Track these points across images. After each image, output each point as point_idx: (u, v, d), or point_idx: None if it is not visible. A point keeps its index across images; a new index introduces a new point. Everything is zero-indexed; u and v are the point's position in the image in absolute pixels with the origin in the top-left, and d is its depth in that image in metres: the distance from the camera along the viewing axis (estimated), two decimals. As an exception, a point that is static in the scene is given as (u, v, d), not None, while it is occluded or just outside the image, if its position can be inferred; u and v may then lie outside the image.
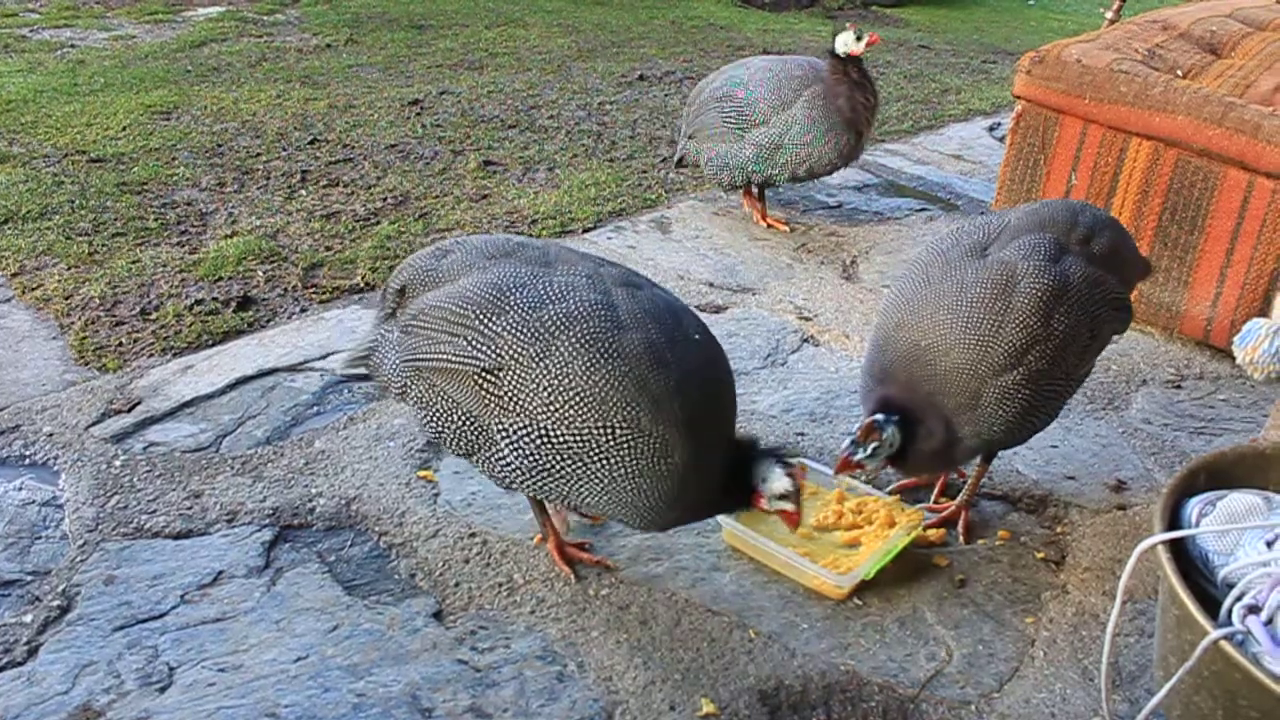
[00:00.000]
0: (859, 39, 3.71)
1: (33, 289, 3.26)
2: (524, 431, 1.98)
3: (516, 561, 2.30)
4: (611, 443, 1.95)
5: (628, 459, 1.96)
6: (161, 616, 2.09)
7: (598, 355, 1.93)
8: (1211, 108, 3.19)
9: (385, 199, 4.11)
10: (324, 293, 3.38)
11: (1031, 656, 2.16)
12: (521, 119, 5.17)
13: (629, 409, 1.93)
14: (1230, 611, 1.67)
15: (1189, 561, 1.81)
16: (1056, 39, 3.72)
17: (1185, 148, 3.26)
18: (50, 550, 2.25)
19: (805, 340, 3.28)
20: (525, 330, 1.96)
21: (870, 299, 3.56)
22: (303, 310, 3.27)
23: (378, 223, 3.89)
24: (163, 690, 1.93)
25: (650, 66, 6.32)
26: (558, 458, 1.98)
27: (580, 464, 1.98)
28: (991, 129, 5.61)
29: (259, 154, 4.47)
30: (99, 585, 2.15)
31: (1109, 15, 4.12)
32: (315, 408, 2.77)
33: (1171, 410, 3.05)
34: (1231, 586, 1.71)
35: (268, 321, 3.20)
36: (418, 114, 5.13)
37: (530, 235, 3.87)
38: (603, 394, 1.93)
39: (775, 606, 2.23)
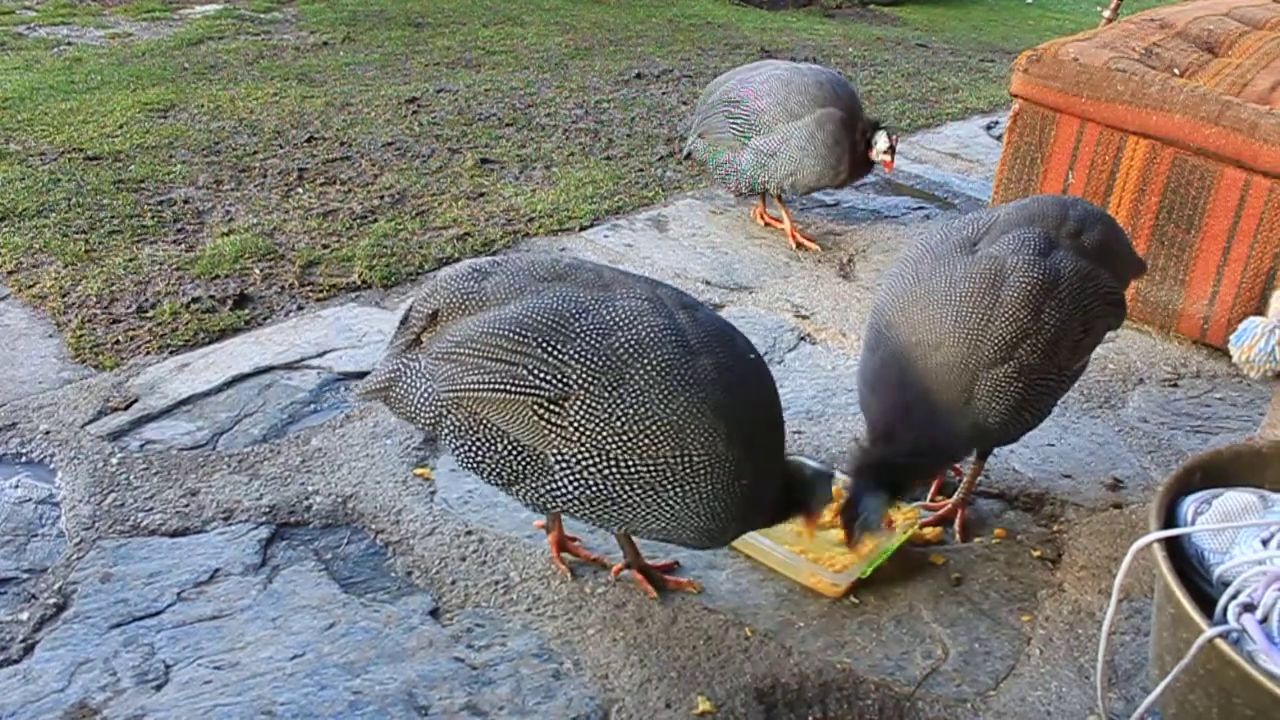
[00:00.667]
0: (888, 151, 3.72)
1: (29, 286, 3.26)
2: (589, 462, 1.90)
3: (513, 559, 2.30)
4: (688, 470, 1.89)
5: (704, 484, 1.91)
6: (158, 614, 2.09)
7: (675, 383, 1.87)
8: (1208, 106, 3.19)
9: (382, 197, 4.10)
10: (321, 291, 3.37)
11: (1027, 654, 2.16)
12: (519, 117, 5.17)
13: (707, 435, 1.88)
14: (1225, 610, 1.67)
15: (1185, 560, 1.81)
16: (1054, 38, 3.72)
17: (1182, 146, 3.26)
18: (46, 548, 2.25)
19: (802, 339, 3.28)
20: (596, 359, 1.87)
21: (867, 297, 3.56)
22: (300, 308, 3.27)
23: (375, 221, 3.89)
24: (159, 688, 1.93)
25: (647, 65, 6.32)
26: (627, 487, 1.92)
27: (651, 493, 1.92)
28: (989, 128, 5.61)
29: (256, 152, 4.46)
30: (95, 583, 2.15)
31: (1106, 14, 4.12)
32: (312, 406, 2.77)
33: (1168, 409, 3.06)
34: (1227, 585, 1.71)
35: (264, 319, 3.20)
36: (415, 112, 5.13)
37: (527, 233, 3.87)
38: (681, 422, 1.87)
39: (771, 604, 2.23)
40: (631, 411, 1.86)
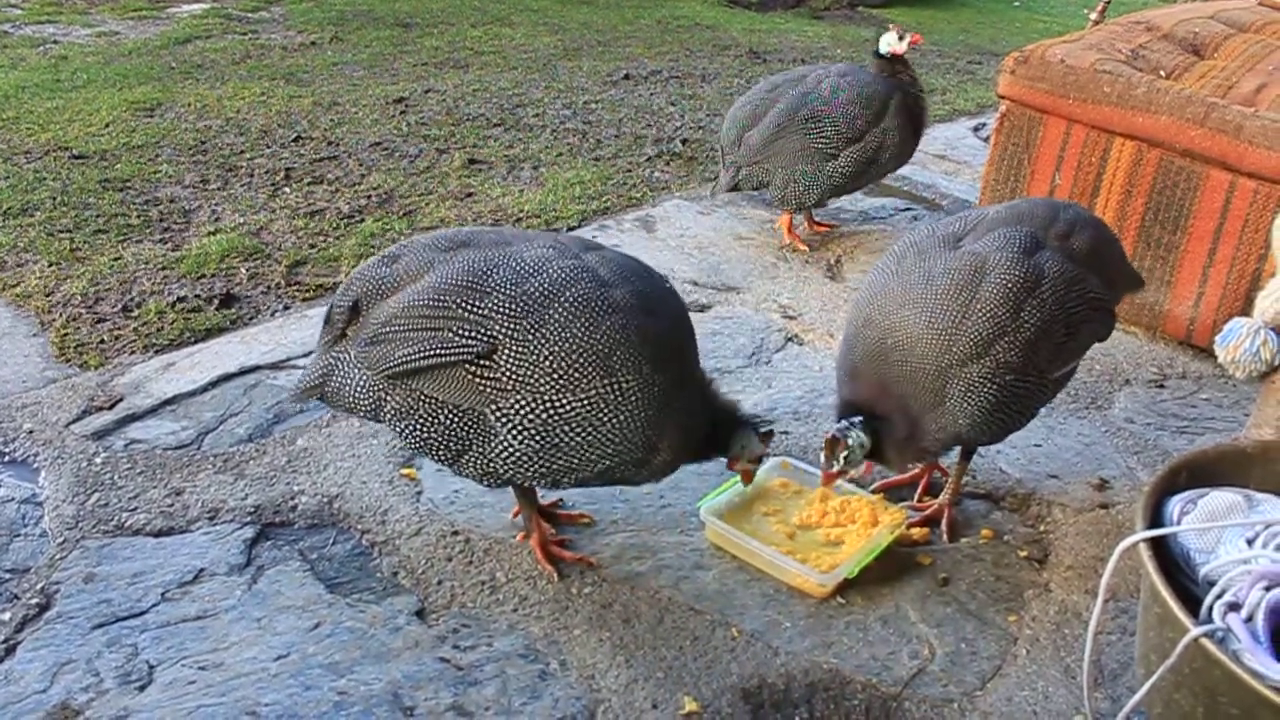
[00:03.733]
0: (901, 39, 3.71)
1: (13, 286, 3.24)
2: (527, 409, 1.97)
3: (499, 560, 2.29)
4: (619, 397, 1.97)
5: (636, 411, 1.99)
6: (141, 614, 2.08)
7: (595, 314, 1.95)
8: (1194, 108, 3.20)
9: (369, 197, 4.09)
10: (307, 290, 3.36)
11: (1014, 655, 2.16)
12: (507, 117, 5.16)
13: (633, 359, 1.96)
14: (1211, 609, 1.67)
15: (1171, 560, 1.81)
16: (1041, 40, 3.73)
17: (1168, 148, 3.27)
18: (29, 548, 2.23)
19: (789, 339, 3.28)
20: (514, 306, 1.95)
21: (855, 298, 3.56)
22: (286, 308, 3.26)
23: (362, 220, 3.88)
24: (142, 688, 1.92)
25: (636, 65, 6.32)
26: (566, 428, 1.98)
27: (589, 429, 1.99)
28: (976, 129, 5.62)
29: (243, 151, 4.45)
30: (78, 583, 2.14)
31: (1093, 16, 4.13)
32: (298, 405, 2.75)
33: (1154, 409, 3.06)
34: (1212, 584, 1.71)
35: (250, 319, 3.18)
36: (402, 112, 5.12)
37: (515, 233, 3.86)
38: (607, 350, 1.95)
39: (758, 605, 2.23)
40: (558, 349, 1.94)
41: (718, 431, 2.19)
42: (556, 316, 1.95)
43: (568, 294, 1.96)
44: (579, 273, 2.00)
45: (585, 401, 1.97)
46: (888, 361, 2.21)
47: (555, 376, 1.95)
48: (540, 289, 1.97)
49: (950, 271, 2.21)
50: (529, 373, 1.95)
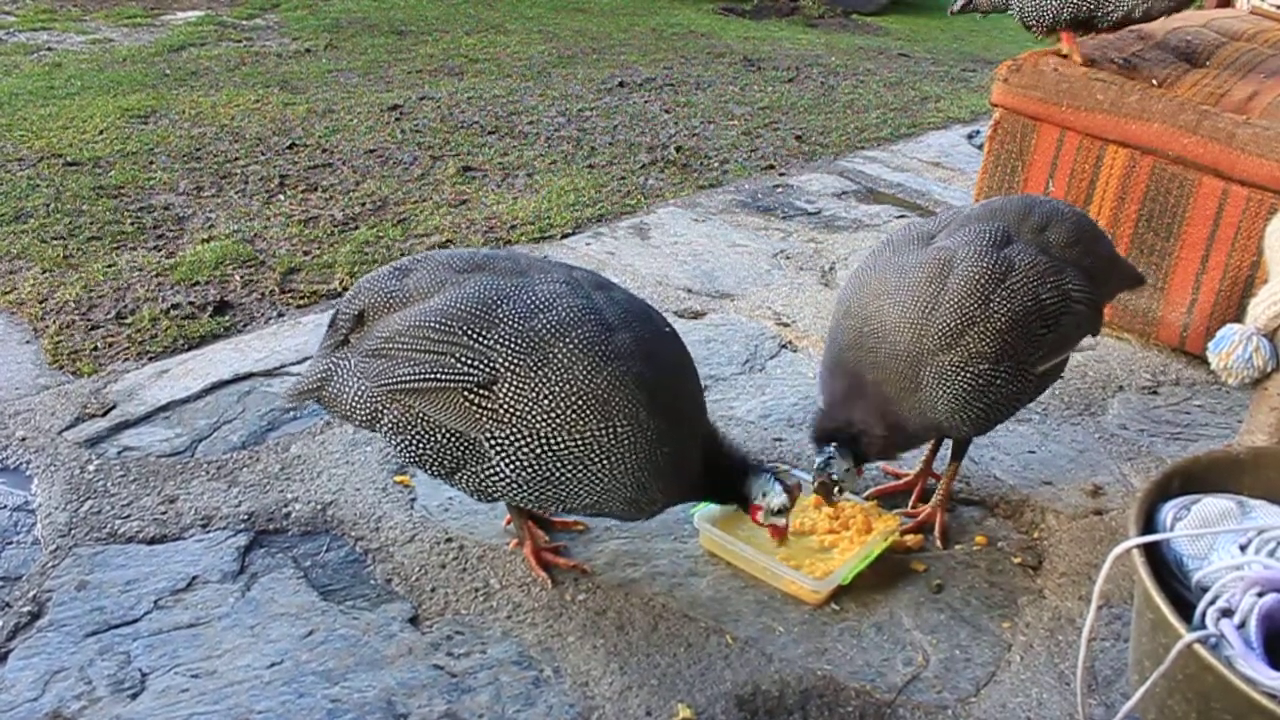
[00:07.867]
0: None
1: (6, 292, 3.24)
2: (521, 442, 1.97)
3: (493, 566, 2.29)
4: (613, 441, 1.98)
5: (628, 455, 2.00)
6: (134, 622, 2.07)
7: (597, 358, 1.96)
8: (1186, 116, 3.21)
9: (364, 204, 4.09)
10: (301, 297, 3.36)
11: (1008, 661, 2.16)
12: (501, 125, 5.17)
13: (630, 406, 1.97)
14: (1204, 615, 1.67)
15: (1164, 566, 1.82)
16: (1034, 48, 3.74)
17: (1161, 155, 3.28)
18: (21, 555, 2.22)
19: (783, 346, 3.29)
20: (520, 341, 1.95)
21: (849, 305, 3.56)
22: (280, 315, 3.26)
23: (356, 228, 3.88)
24: (135, 696, 1.92)
25: (630, 73, 6.33)
26: (558, 464, 1.99)
27: (581, 467, 1.99)
28: (970, 137, 5.63)
29: (237, 158, 4.45)
30: (71, 591, 2.13)
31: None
32: (291, 412, 2.75)
33: (1148, 416, 3.07)
34: (1205, 590, 1.72)
35: (244, 326, 3.18)
36: (397, 119, 5.12)
37: (509, 241, 3.87)
38: (606, 395, 1.95)
39: (752, 611, 2.23)
40: (558, 389, 1.94)
41: (727, 478, 2.19)
42: (560, 356, 1.95)
43: (573, 335, 1.96)
44: (586, 314, 1.99)
45: (580, 441, 1.97)
46: (864, 349, 2.26)
47: (552, 415, 1.95)
48: (547, 326, 1.96)
49: (921, 265, 2.27)
50: (526, 408, 1.95)
